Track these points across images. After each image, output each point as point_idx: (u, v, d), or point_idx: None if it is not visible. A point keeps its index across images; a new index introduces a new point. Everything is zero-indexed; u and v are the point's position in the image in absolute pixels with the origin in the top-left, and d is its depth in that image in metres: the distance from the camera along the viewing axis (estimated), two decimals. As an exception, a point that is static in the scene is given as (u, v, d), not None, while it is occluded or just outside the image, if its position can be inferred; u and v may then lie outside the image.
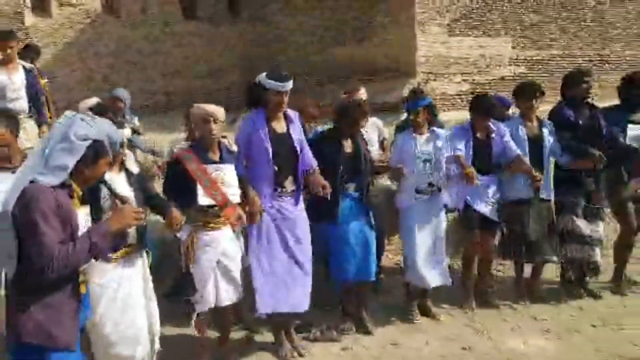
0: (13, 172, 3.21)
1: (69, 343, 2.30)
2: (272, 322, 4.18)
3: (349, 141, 4.38)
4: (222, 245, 3.77)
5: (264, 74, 3.97)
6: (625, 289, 5.20)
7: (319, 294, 4.20)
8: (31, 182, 2.20)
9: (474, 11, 12.11)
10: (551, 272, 5.40)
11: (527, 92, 4.99)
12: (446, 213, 4.75)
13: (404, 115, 6.10)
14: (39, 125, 5.22)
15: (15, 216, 2.17)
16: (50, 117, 5.39)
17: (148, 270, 3.61)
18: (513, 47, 12.68)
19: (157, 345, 3.49)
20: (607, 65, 13.66)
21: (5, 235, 2.19)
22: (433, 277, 4.58)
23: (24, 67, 5.20)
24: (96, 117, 2.45)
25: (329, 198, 3.96)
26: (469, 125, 4.82)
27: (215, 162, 3.79)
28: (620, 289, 5.18)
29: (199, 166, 3.72)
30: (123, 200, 2.60)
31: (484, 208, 4.75)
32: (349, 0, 12.78)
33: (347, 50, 12.77)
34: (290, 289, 4.00)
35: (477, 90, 12.22)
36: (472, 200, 4.72)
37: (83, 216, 2.37)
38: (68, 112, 2.39)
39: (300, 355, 4.13)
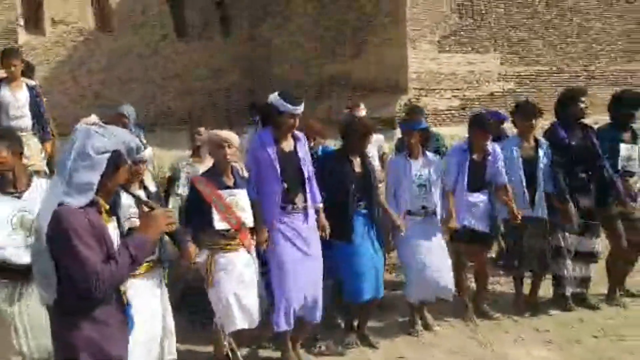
0: (18, 198, 3.24)
1: (121, 356, 2.31)
2: (279, 337, 4.20)
3: (358, 160, 4.46)
4: (238, 269, 3.84)
5: (277, 95, 3.99)
6: (620, 302, 5.24)
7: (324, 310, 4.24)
8: (60, 204, 2.16)
9: (463, 28, 12.35)
10: (547, 286, 5.47)
11: (526, 112, 5.08)
12: None
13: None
14: (42, 142, 5.25)
15: (50, 241, 2.15)
16: (53, 135, 5.42)
17: (164, 283, 3.68)
18: (501, 63, 12.93)
19: (173, 357, 3.53)
20: (593, 80, 13.94)
21: (42, 260, 2.18)
22: (429, 292, 4.65)
23: (27, 84, 5.24)
24: (108, 126, 2.40)
25: (327, 238, 4.10)
26: (467, 145, 4.88)
27: (229, 187, 3.89)
28: (615, 302, 5.23)
29: (214, 191, 3.83)
30: (151, 207, 2.54)
31: (474, 222, 4.81)
32: (341, 19, 12.98)
33: (339, 67, 12.95)
34: (304, 303, 4.04)
35: (467, 106, 12.47)
36: (461, 216, 4.78)
37: (112, 229, 2.37)
38: (80, 126, 2.32)
39: None
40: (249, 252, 3.92)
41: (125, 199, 3.46)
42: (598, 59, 14.02)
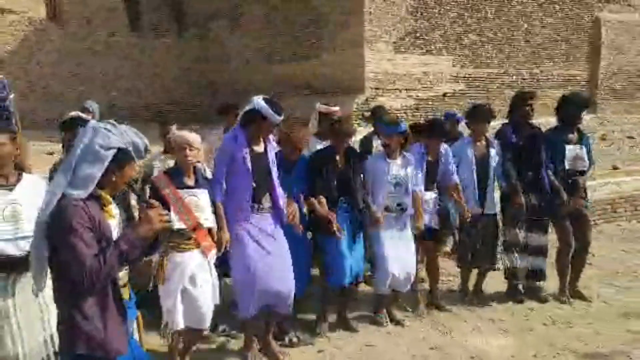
0: (9, 190, 3.27)
1: (119, 349, 2.37)
2: (247, 326, 4.33)
3: (342, 158, 4.69)
4: (190, 269, 3.89)
5: (262, 101, 4.06)
6: (567, 299, 5.54)
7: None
8: (63, 196, 2.25)
9: (418, 30, 12.72)
10: (499, 278, 5.82)
11: (480, 115, 5.40)
12: None
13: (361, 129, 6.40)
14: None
15: (49, 232, 2.24)
16: (18, 129, 5.35)
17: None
18: (453, 65, 13.38)
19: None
20: (537, 83, 14.62)
21: (39, 249, 2.26)
22: (397, 282, 4.92)
23: (-6, 79, 5.17)
24: (119, 125, 2.45)
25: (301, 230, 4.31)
26: (424, 148, 5.13)
27: (190, 187, 3.94)
28: (563, 298, 5.54)
29: (173, 190, 3.86)
30: (151, 205, 2.58)
31: (430, 221, 5.09)
32: (296, 19, 13.12)
33: (295, 66, 13.09)
34: (270, 297, 4.19)
35: (421, 105, 12.87)
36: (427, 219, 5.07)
37: (115, 224, 2.46)
38: (92, 122, 2.42)
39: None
40: (205, 254, 3.96)
41: None
42: (542, 62, 14.69)
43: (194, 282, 3.91)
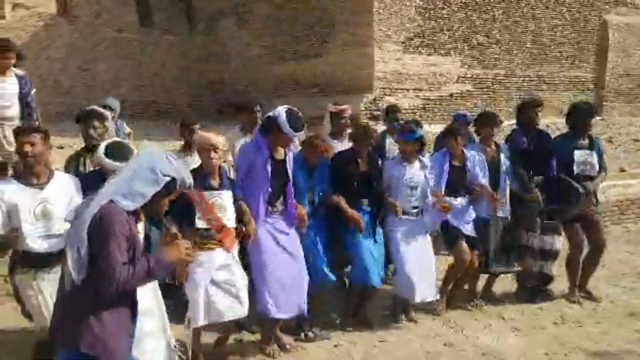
0: (40, 189, 3.37)
1: (121, 356, 2.45)
2: (265, 321, 4.43)
3: (364, 160, 4.82)
4: (213, 268, 3.99)
5: (284, 115, 4.12)
6: (578, 299, 5.61)
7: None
8: (110, 201, 2.38)
9: (427, 31, 12.79)
10: (507, 279, 5.90)
11: (489, 121, 5.50)
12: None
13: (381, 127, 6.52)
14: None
15: (91, 230, 2.34)
16: (38, 123, 5.45)
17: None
18: (461, 66, 13.45)
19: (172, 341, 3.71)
20: (544, 84, 14.70)
21: (80, 245, 2.35)
22: (422, 292, 4.97)
23: (16, 74, 5.27)
24: (176, 157, 2.61)
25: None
26: (447, 153, 5.24)
27: (214, 189, 4.03)
28: (572, 299, 5.61)
29: (198, 192, 3.94)
30: (175, 235, 2.71)
31: (466, 227, 5.19)
32: (304, 18, 13.20)
33: (302, 65, 13.17)
34: (290, 295, 4.31)
35: (428, 106, 12.95)
36: (455, 220, 5.15)
37: (141, 241, 2.60)
38: (154, 148, 2.61)
39: (287, 351, 4.43)
40: (228, 252, 4.05)
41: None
42: (549, 64, 14.75)
43: (217, 279, 4.01)
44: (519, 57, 14.29)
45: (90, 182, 3.37)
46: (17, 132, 3.57)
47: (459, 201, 5.18)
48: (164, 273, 2.56)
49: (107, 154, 3.54)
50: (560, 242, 5.65)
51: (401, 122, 6.56)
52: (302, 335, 4.69)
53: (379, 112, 9.16)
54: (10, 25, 13.10)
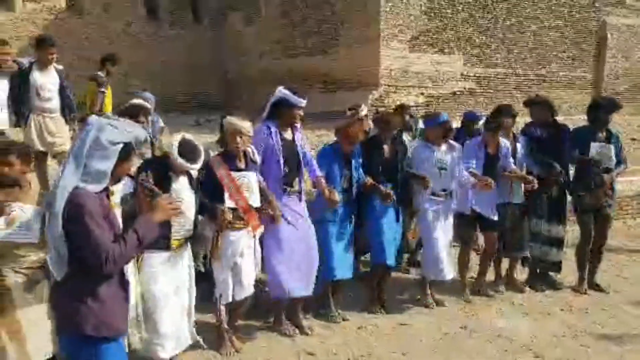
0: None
1: (123, 330, 2.60)
2: (274, 305, 4.71)
3: (389, 146, 5.11)
4: (240, 247, 4.23)
5: (285, 90, 4.48)
6: (585, 290, 5.86)
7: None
8: (75, 187, 2.35)
9: (432, 30, 13.06)
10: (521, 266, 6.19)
11: (507, 113, 5.78)
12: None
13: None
14: (72, 121, 5.57)
15: (65, 221, 2.33)
16: (74, 113, 5.72)
17: (192, 258, 4.10)
18: (464, 64, 13.73)
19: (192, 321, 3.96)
20: (543, 83, 15.00)
21: (57, 239, 2.35)
22: (449, 271, 5.30)
23: (55, 69, 5.52)
24: (119, 119, 2.61)
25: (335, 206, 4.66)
26: (481, 141, 5.53)
27: (241, 170, 4.25)
28: (581, 291, 5.85)
29: (227, 173, 4.17)
30: (154, 193, 2.71)
31: (489, 211, 5.46)
32: (314, 15, 13.44)
33: (311, 61, 13.42)
34: (302, 276, 4.57)
35: (432, 103, 13.22)
36: (478, 205, 5.43)
37: (118, 215, 2.68)
38: (93, 118, 2.51)
39: (305, 333, 4.68)
40: (254, 232, 4.29)
41: (178, 183, 3.88)
42: (550, 64, 15.05)
43: (242, 257, 4.26)
44: (520, 57, 14.57)
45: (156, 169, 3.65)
46: None
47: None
48: (154, 235, 2.54)
49: (180, 154, 3.73)
50: (564, 231, 5.93)
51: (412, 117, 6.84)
52: (329, 317, 4.95)
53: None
54: (21, 19, 13.28)
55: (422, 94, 13.11)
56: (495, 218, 5.51)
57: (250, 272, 4.33)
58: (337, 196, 4.65)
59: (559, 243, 5.91)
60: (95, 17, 13.97)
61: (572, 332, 4.96)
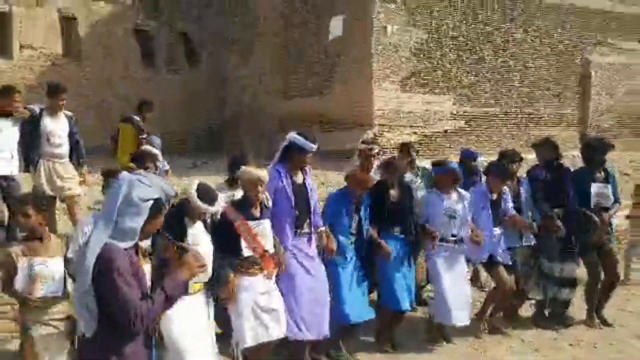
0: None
1: None
2: (293, 347, 4.69)
3: (397, 191, 5.18)
4: (256, 292, 4.27)
5: (296, 135, 4.60)
6: (596, 325, 5.94)
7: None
8: (105, 244, 2.36)
9: (422, 70, 13.38)
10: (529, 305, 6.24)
11: (512, 157, 5.91)
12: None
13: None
14: (79, 166, 5.63)
15: (94, 278, 2.33)
16: (83, 158, 5.79)
17: (212, 303, 4.12)
18: (454, 104, 14.02)
19: None
20: (532, 121, 15.33)
21: (86, 296, 2.36)
22: (458, 317, 5.29)
23: (65, 115, 5.61)
24: (150, 174, 2.63)
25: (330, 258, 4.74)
26: (487, 188, 5.62)
27: (256, 218, 4.33)
28: (592, 326, 5.92)
29: (243, 222, 4.25)
30: (183, 250, 2.74)
31: (503, 255, 5.55)
32: (309, 57, 13.74)
33: (308, 102, 13.65)
34: (315, 317, 4.60)
35: (424, 141, 13.44)
36: (493, 251, 5.51)
37: (146, 270, 2.67)
38: (124, 174, 2.53)
39: None
40: (270, 277, 4.34)
41: (194, 228, 3.94)
42: (536, 102, 15.41)
43: (260, 303, 4.28)
44: (508, 96, 14.92)
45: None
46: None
47: (496, 231, 5.52)
48: (181, 293, 2.55)
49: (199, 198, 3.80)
50: (577, 271, 5.99)
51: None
52: (337, 358, 4.96)
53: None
54: (18, 66, 13.42)
55: (415, 133, 13.32)
56: (505, 260, 5.57)
57: (268, 319, 4.31)
58: (335, 245, 4.75)
59: (572, 283, 5.94)
60: (92, 63, 14.15)
61: (583, 366, 5.00)
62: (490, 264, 5.57)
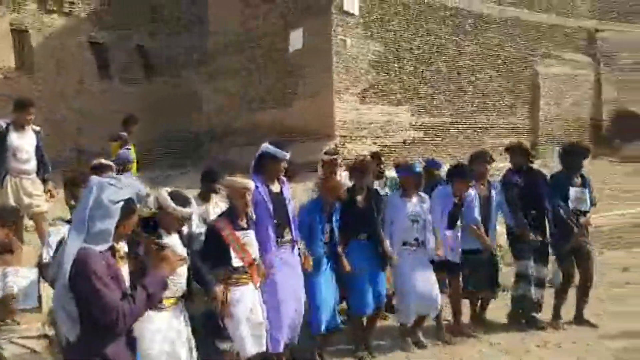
0: None
1: None
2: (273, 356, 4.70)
3: (363, 197, 5.27)
4: (249, 301, 4.32)
5: (269, 145, 4.69)
6: (560, 326, 6.08)
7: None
8: (81, 249, 2.38)
9: (380, 83, 13.65)
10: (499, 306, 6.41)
11: (483, 159, 6.10)
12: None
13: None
14: (45, 182, 5.52)
15: (72, 283, 2.36)
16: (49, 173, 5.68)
17: (188, 316, 4.11)
18: (412, 115, 14.35)
19: None
20: (485, 131, 15.82)
21: (66, 301, 2.39)
22: (419, 311, 5.46)
23: (33, 130, 5.49)
24: (121, 177, 2.68)
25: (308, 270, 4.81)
26: (450, 190, 5.78)
27: (243, 229, 4.39)
28: (556, 325, 6.09)
29: (232, 233, 4.30)
30: (161, 247, 2.75)
31: (452, 256, 5.72)
32: (271, 70, 13.83)
33: (268, 114, 13.71)
34: (290, 326, 4.68)
35: (384, 152, 13.66)
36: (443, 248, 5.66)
37: (124, 271, 2.68)
38: (94, 178, 2.56)
39: None
40: (255, 286, 4.40)
41: (170, 240, 3.92)
42: (489, 112, 15.91)
43: (252, 311, 4.32)
44: (463, 107, 15.37)
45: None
46: None
47: (450, 234, 5.69)
48: (163, 289, 2.59)
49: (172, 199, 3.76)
50: (547, 272, 6.20)
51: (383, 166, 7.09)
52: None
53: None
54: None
55: (375, 143, 13.56)
56: (454, 259, 5.74)
57: (261, 326, 4.36)
58: (311, 263, 4.81)
59: (541, 283, 6.14)
60: (46, 75, 13.83)
61: (551, 366, 5.21)
62: (445, 265, 5.71)
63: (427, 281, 5.43)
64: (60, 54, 14.11)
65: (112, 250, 2.55)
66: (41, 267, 3.67)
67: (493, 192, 6.06)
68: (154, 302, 2.58)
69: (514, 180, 6.07)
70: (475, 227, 5.83)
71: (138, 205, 2.63)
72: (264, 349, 4.40)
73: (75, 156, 13.69)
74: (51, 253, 3.50)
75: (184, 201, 3.77)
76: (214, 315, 4.65)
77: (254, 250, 4.39)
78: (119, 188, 2.47)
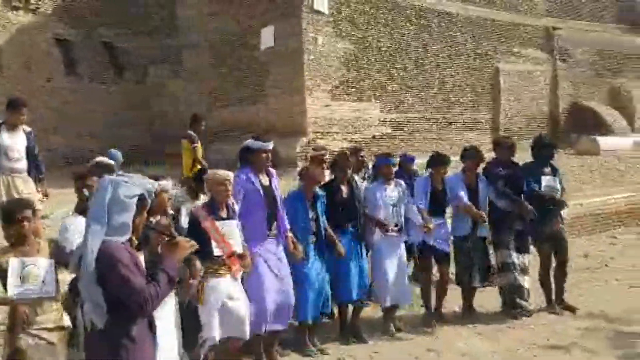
0: None
1: None
2: (252, 342, 4.87)
3: (346, 187, 5.56)
4: (226, 289, 4.48)
5: (250, 139, 4.93)
6: (559, 311, 6.43)
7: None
8: (104, 242, 2.57)
9: (350, 80, 13.97)
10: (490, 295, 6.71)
11: (475, 155, 6.43)
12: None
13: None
14: (38, 181, 5.61)
15: (98, 274, 2.54)
16: (42, 174, 5.77)
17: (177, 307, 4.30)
18: (381, 111, 14.73)
19: None
20: (450, 126, 16.34)
21: (93, 291, 2.57)
22: (394, 298, 5.78)
23: (24, 130, 5.58)
24: (131, 175, 2.82)
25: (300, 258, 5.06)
26: (429, 178, 6.15)
27: (224, 219, 4.54)
28: (553, 311, 6.43)
29: (212, 223, 4.45)
30: (172, 235, 2.91)
31: (439, 244, 6.06)
32: (242, 67, 13.99)
33: (242, 111, 13.88)
34: (278, 311, 4.90)
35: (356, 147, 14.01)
36: (428, 238, 5.99)
37: (141, 261, 2.86)
38: (106, 177, 2.76)
39: None
40: (235, 277, 4.55)
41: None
42: (453, 108, 16.42)
43: (230, 299, 4.47)
44: (429, 102, 15.83)
45: None
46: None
47: (435, 223, 6.00)
48: (177, 273, 2.78)
49: None
50: (529, 259, 6.52)
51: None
52: (314, 351, 5.26)
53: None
54: None
55: (346, 139, 13.88)
56: (444, 248, 6.09)
57: (242, 315, 4.53)
58: (301, 251, 5.05)
59: (525, 271, 6.46)
60: (14, 73, 13.67)
61: (524, 345, 5.61)
62: (427, 255, 6.06)
63: (401, 272, 5.77)
64: (28, 52, 13.97)
65: (131, 242, 2.74)
66: (58, 257, 3.81)
67: (480, 186, 6.36)
68: (174, 285, 2.78)
69: (497, 172, 6.43)
70: (462, 204, 6.14)
71: (149, 200, 2.82)
72: (244, 335, 4.52)
73: (47, 155, 13.55)
74: (74, 245, 3.63)
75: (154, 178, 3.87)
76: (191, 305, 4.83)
77: (235, 240, 4.50)
78: (132, 184, 2.67)
